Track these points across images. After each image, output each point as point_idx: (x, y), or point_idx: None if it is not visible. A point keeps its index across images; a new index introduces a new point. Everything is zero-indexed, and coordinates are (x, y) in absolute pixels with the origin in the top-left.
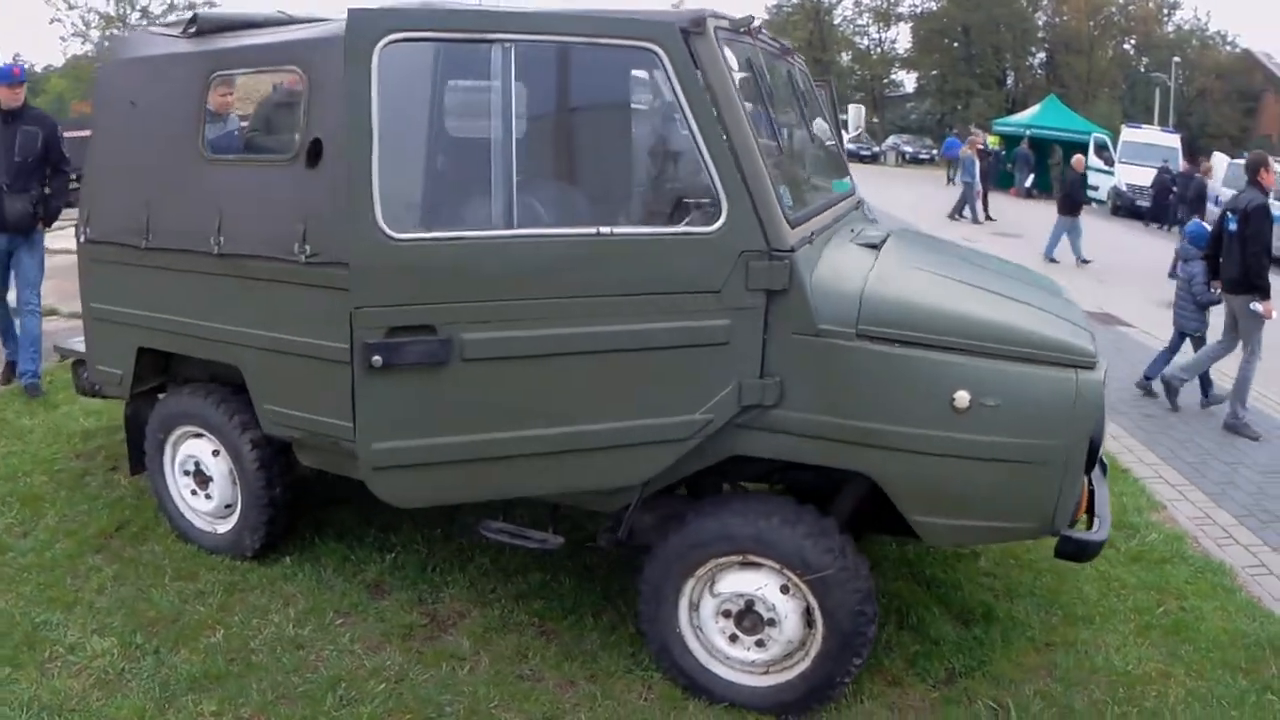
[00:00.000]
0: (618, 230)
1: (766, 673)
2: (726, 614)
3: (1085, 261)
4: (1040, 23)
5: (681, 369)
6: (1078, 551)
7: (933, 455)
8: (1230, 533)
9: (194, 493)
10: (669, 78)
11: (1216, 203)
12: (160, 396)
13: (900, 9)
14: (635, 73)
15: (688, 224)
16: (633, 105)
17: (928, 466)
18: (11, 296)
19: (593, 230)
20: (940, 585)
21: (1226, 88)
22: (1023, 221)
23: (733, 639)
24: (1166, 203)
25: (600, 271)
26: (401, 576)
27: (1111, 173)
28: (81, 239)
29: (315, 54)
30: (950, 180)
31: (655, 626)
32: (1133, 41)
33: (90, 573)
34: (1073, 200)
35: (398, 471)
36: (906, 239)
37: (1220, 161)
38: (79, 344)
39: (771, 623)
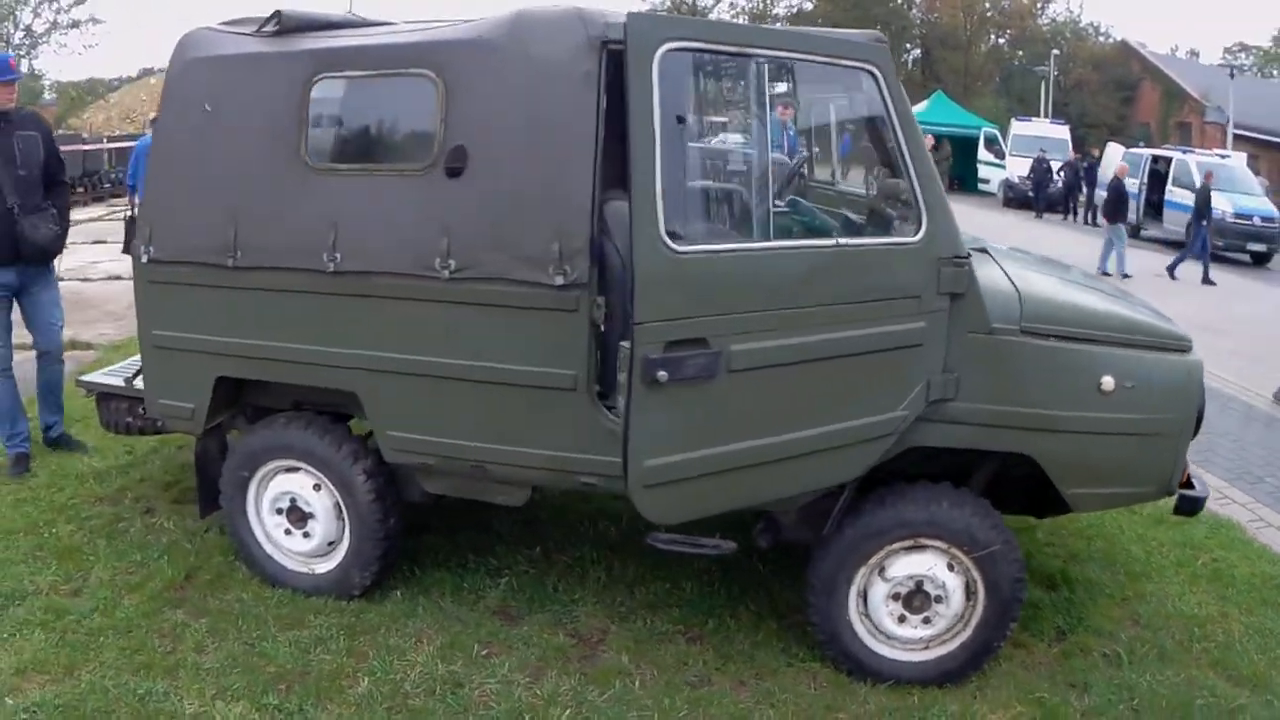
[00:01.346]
0: (851, 241)
1: (927, 648)
2: (896, 596)
3: (1111, 273)
4: (916, 20)
5: (890, 369)
6: (1192, 507)
7: (1085, 434)
8: (1225, 494)
9: (288, 532)
10: (882, 96)
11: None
12: (232, 431)
13: (776, 10)
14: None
15: (894, 234)
16: (848, 122)
17: (1081, 444)
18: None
19: (833, 241)
20: None
21: (1103, 78)
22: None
23: (900, 619)
24: (1048, 192)
25: (837, 280)
26: (525, 599)
27: (1003, 165)
28: (143, 259)
29: (452, 57)
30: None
31: (826, 617)
32: (1008, 35)
33: (179, 630)
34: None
35: (666, 487)
36: (993, 247)
37: (1115, 151)
38: (105, 377)
39: (939, 599)
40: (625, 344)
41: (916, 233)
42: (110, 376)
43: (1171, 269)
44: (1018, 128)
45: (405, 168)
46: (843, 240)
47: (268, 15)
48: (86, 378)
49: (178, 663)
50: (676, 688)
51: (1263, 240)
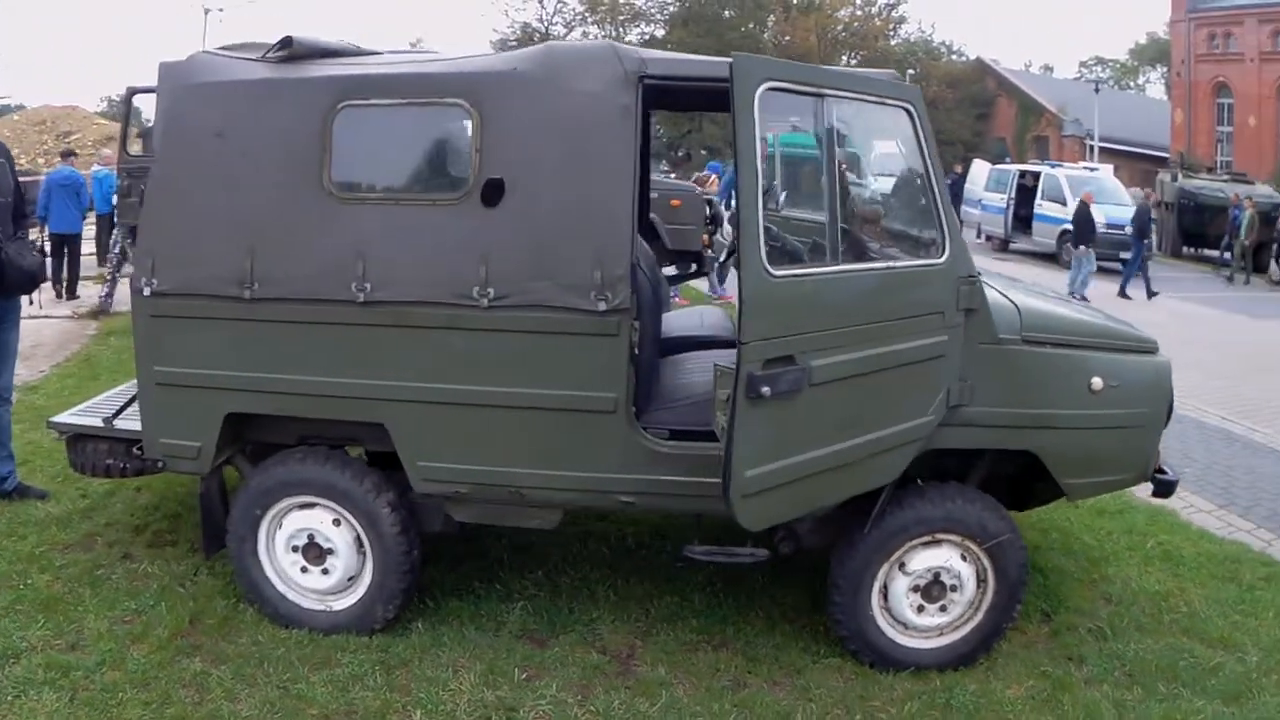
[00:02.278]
0: (898, 264)
1: (942, 634)
2: (916, 589)
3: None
4: (770, 44)
5: (923, 379)
6: (1167, 490)
7: (1080, 429)
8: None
9: (304, 570)
10: (916, 132)
11: (979, 206)
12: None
13: (629, 37)
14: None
15: (924, 258)
16: (885, 156)
17: (1077, 439)
18: None
19: (885, 264)
20: None
21: (959, 96)
22: None
23: (919, 609)
24: None
25: (890, 299)
26: (544, 622)
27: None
28: (145, 292)
29: (487, 88)
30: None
31: (851, 614)
32: (861, 56)
33: (202, 679)
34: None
35: (761, 495)
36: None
37: (980, 168)
38: (80, 418)
39: (954, 588)
40: (719, 365)
41: (942, 255)
42: (84, 416)
43: (1122, 290)
44: (880, 146)
45: (439, 197)
46: (892, 263)
47: (277, 41)
48: (59, 419)
49: (212, 713)
50: (717, 693)
51: None
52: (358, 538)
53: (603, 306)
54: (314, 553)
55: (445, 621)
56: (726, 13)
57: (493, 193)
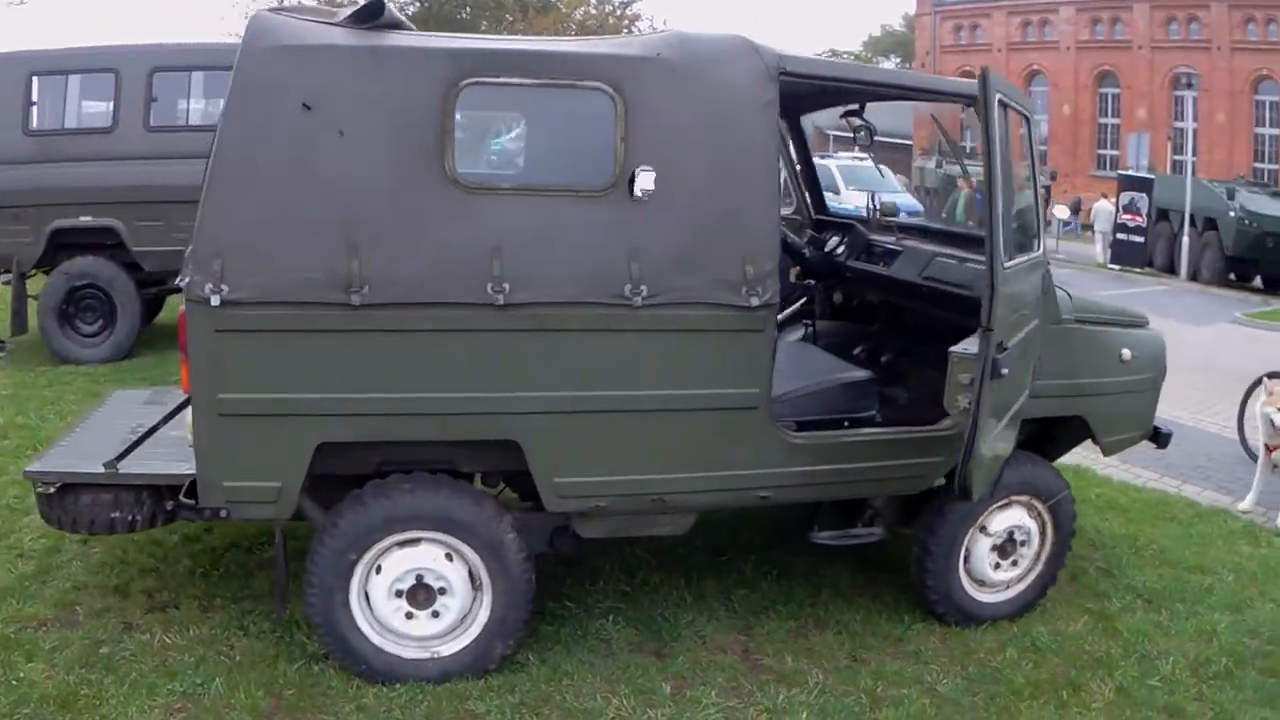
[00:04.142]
0: (1033, 254)
1: (1009, 587)
2: (994, 548)
3: None
4: None
5: (1030, 356)
6: (1166, 441)
7: (1115, 394)
8: None
9: (409, 616)
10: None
11: None
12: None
13: None
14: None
15: (1033, 249)
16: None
17: (1113, 403)
18: None
19: (1028, 255)
20: None
21: None
22: None
23: (995, 567)
24: None
25: (1030, 286)
26: (641, 633)
27: None
28: (213, 301)
29: (630, 73)
30: None
31: (941, 578)
32: None
33: None
34: None
35: (985, 466)
36: None
37: None
38: (67, 463)
39: (1023, 543)
40: (954, 351)
41: (1039, 247)
42: (72, 461)
43: None
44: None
45: (583, 189)
46: (1031, 254)
47: (362, 6)
48: (40, 467)
49: None
50: (849, 672)
51: None
52: (471, 572)
53: (755, 302)
54: (422, 595)
55: (547, 648)
56: (464, 12)
57: (642, 185)
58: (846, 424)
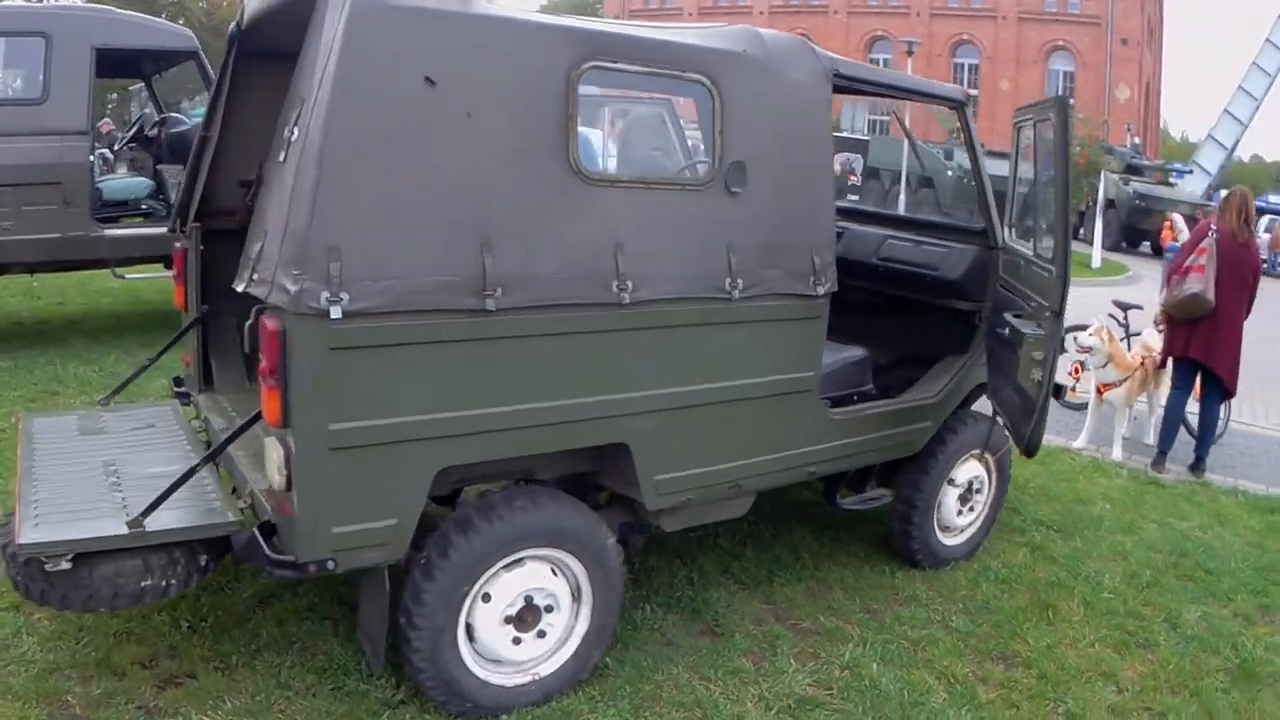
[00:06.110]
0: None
1: (963, 532)
2: (961, 498)
3: None
4: (200, 12)
5: None
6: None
7: None
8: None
9: (516, 641)
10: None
11: None
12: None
13: None
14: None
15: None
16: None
17: None
18: None
19: (1031, 249)
20: None
21: None
22: None
23: (958, 513)
24: None
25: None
26: (691, 614)
27: None
28: (333, 313)
29: (725, 66)
30: None
31: (922, 528)
32: None
33: None
34: None
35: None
36: None
37: None
38: (75, 529)
39: (978, 490)
40: (1025, 330)
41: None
42: (78, 526)
43: None
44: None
45: (686, 182)
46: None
47: None
48: (40, 537)
49: None
50: (876, 620)
51: None
52: (574, 585)
53: (821, 291)
54: (530, 616)
55: (611, 649)
56: None
57: (736, 177)
58: (855, 399)
